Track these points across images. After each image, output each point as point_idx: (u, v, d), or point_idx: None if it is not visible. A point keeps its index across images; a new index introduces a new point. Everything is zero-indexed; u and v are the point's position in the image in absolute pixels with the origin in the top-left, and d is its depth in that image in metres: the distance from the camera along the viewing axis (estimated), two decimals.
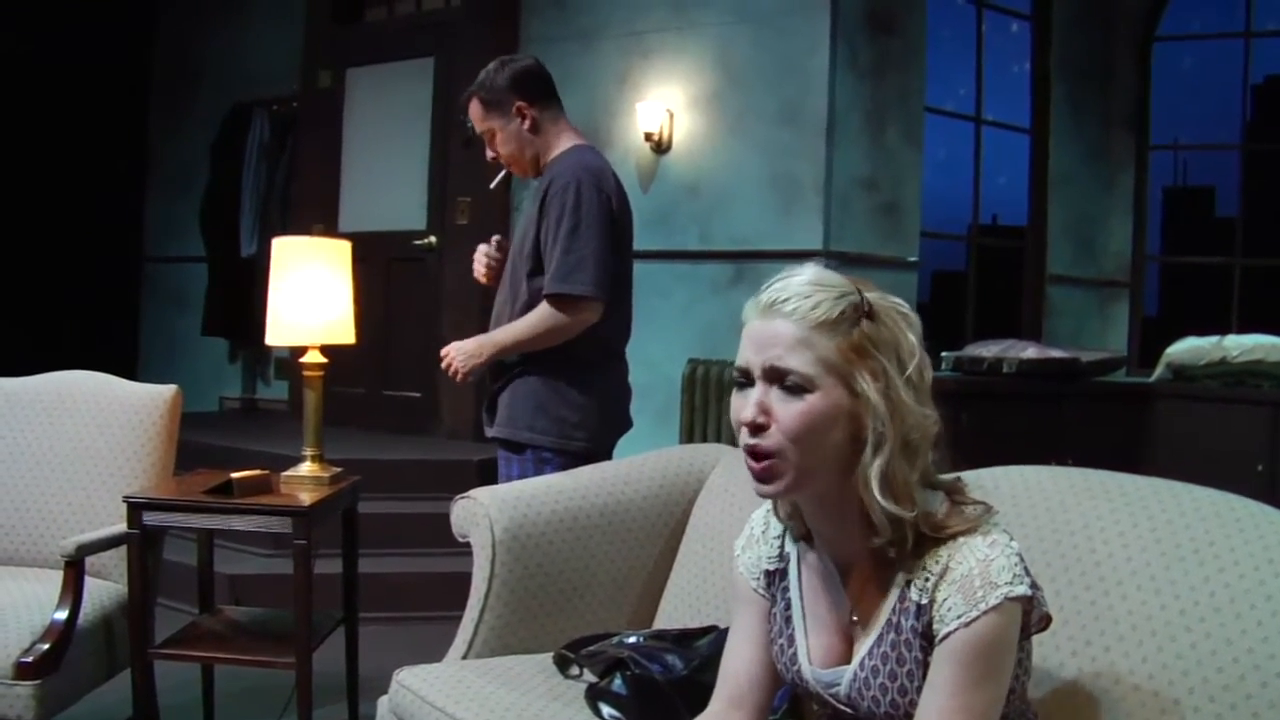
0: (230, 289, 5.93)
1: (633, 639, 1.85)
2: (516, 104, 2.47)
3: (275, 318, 2.48)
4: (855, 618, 1.26)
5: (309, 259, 2.50)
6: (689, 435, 4.50)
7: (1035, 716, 1.32)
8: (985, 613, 1.13)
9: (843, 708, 1.28)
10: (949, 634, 1.14)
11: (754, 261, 4.58)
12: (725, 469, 2.19)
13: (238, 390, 6.21)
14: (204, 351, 6.17)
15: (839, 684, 1.26)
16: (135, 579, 2.26)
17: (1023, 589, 1.15)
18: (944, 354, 4.58)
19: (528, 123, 2.48)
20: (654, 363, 4.19)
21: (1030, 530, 1.56)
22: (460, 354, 2.48)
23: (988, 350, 4.62)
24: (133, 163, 6.56)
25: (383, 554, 3.80)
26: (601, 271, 2.35)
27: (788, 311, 1.18)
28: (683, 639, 1.82)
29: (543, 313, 2.37)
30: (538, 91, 2.49)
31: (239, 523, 2.29)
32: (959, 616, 1.14)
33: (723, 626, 1.81)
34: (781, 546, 1.37)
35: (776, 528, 1.38)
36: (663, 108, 4.76)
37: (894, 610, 1.21)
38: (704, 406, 4.47)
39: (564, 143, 2.50)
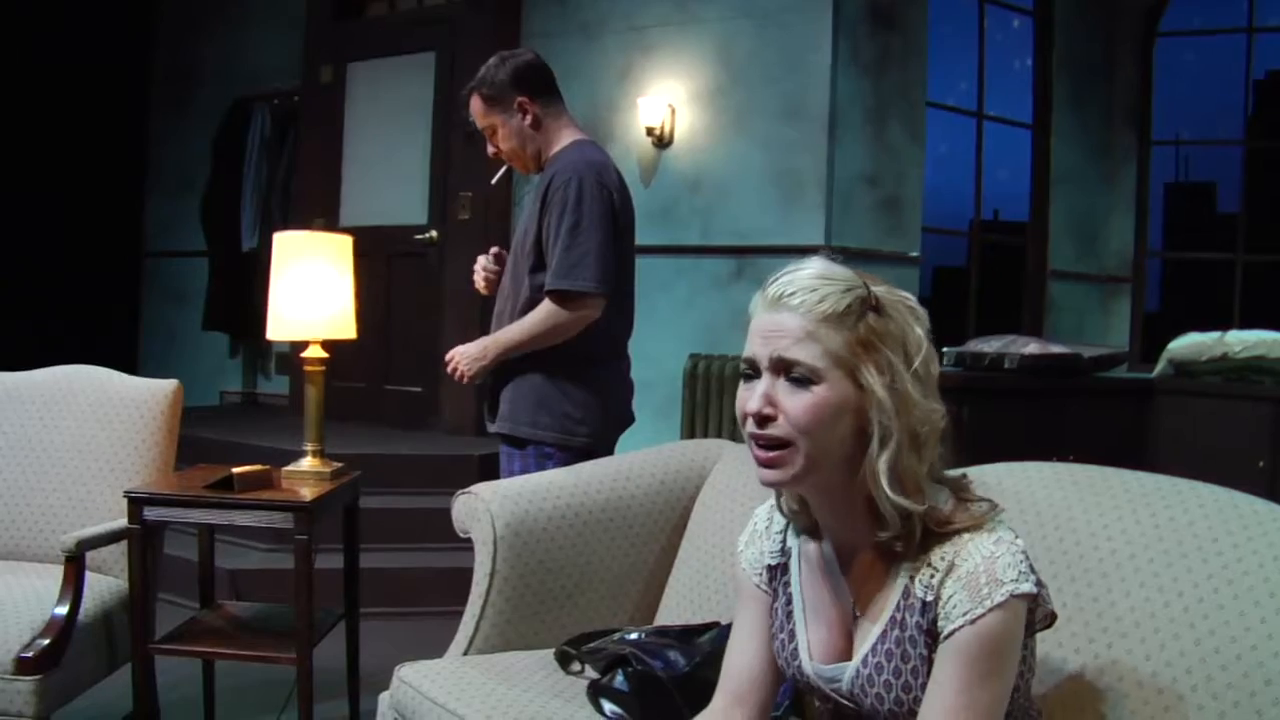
0: (231, 284, 5.93)
1: (634, 635, 1.85)
2: (518, 100, 2.46)
3: (276, 312, 2.48)
4: (857, 613, 1.26)
5: (310, 253, 2.50)
6: (690, 430, 4.50)
7: (1038, 714, 1.32)
8: (991, 610, 1.13)
9: (845, 703, 1.27)
10: (954, 631, 1.14)
11: (755, 257, 4.57)
12: (727, 464, 2.18)
13: (238, 385, 6.21)
14: (205, 346, 6.17)
15: (840, 679, 1.26)
16: (136, 574, 2.26)
17: (1028, 586, 1.15)
18: (945, 350, 4.57)
19: (529, 118, 2.47)
20: (655, 358, 4.18)
21: (1033, 527, 1.56)
22: (465, 358, 2.47)
23: (989, 346, 4.61)
24: (133, 158, 6.55)
25: (383, 549, 3.80)
26: (603, 267, 2.34)
27: (794, 305, 1.18)
28: (685, 635, 1.82)
29: (545, 310, 2.37)
30: (539, 87, 2.49)
31: (240, 518, 2.28)
32: (964, 613, 1.14)
33: (725, 622, 1.81)
34: (783, 541, 1.37)
35: (779, 523, 1.38)
36: (664, 102, 4.76)
37: (898, 606, 1.20)
38: (705, 402, 4.46)
39: (565, 138, 2.50)
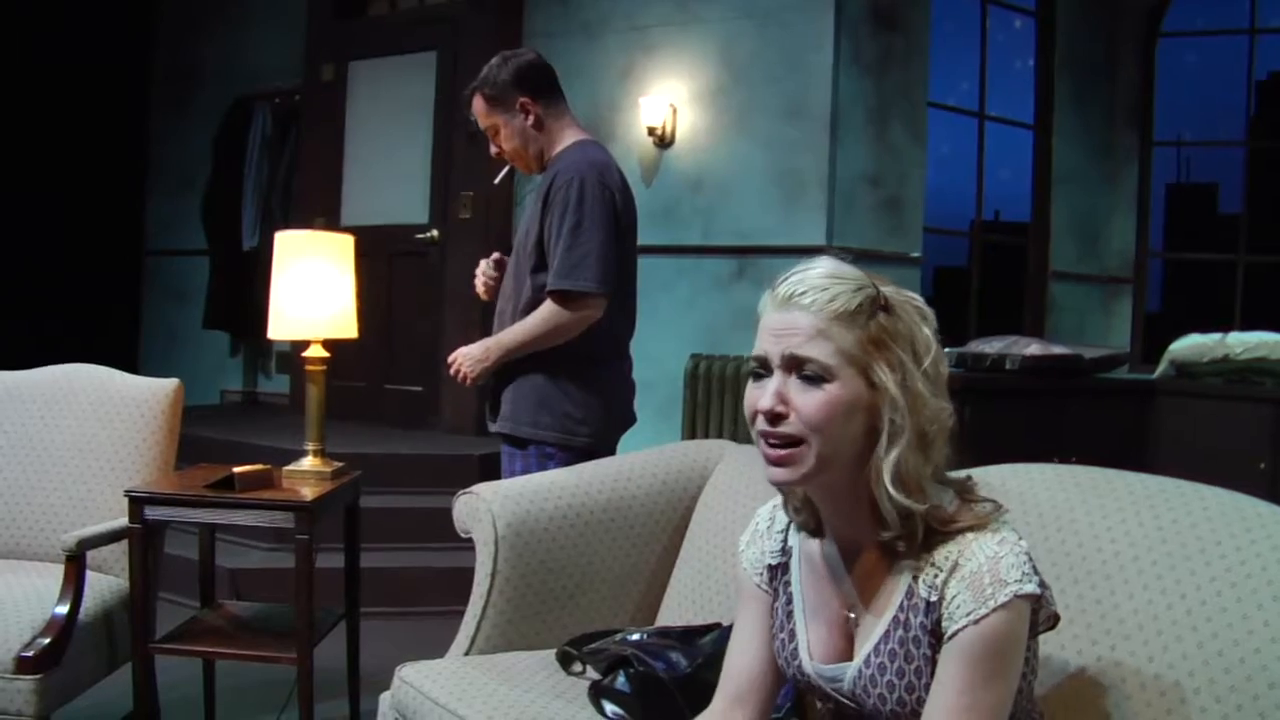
0: (232, 282, 5.92)
1: (636, 636, 1.85)
2: (520, 100, 2.46)
3: (278, 311, 2.47)
4: (855, 614, 1.26)
5: (312, 253, 2.49)
6: (691, 430, 4.50)
7: (1041, 716, 1.31)
8: (994, 610, 1.13)
9: (846, 703, 1.27)
10: (958, 631, 1.14)
11: (757, 257, 4.57)
12: (729, 465, 2.18)
13: (239, 383, 6.21)
14: (205, 345, 6.17)
15: (841, 679, 1.26)
16: (136, 573, 2.25)
17: (1031, 587, 1.14)
18: (946, 350, 4.57)
19: (531, 118, 2.47)
20: (656, 358, 4.18)
21: (1036, 529, 1.56)
22: (468, 360, 2.47)
23: (990, 347, 4.61)
24: (134, 157, 6.55)
25: (383, 549, 3.80)
26: (604, 267, 2.34)
27: (806, 303, 1.18)
28: (687, 636, 1.82)
29: (546, 311, 2.36)
30: (541, 87, 2.48)
31: (241, 517, 2.28)
32: (968, 614, 1.13)
33: (726, 624, 1.81)
34: (785, 540, 1.36)
35: (781, 522, 1.37)
36: (666, 102, 4.76)
37: (901, 606, 1.20)
38: (706, 402, 4.46)
39: (568, 138, 2.49)
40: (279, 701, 2.57)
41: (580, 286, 2.33)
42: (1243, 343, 4.55)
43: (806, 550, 1.33)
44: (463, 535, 2.06)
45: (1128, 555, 1.46)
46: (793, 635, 1.31)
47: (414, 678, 1.84)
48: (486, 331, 2.61)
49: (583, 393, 2.41)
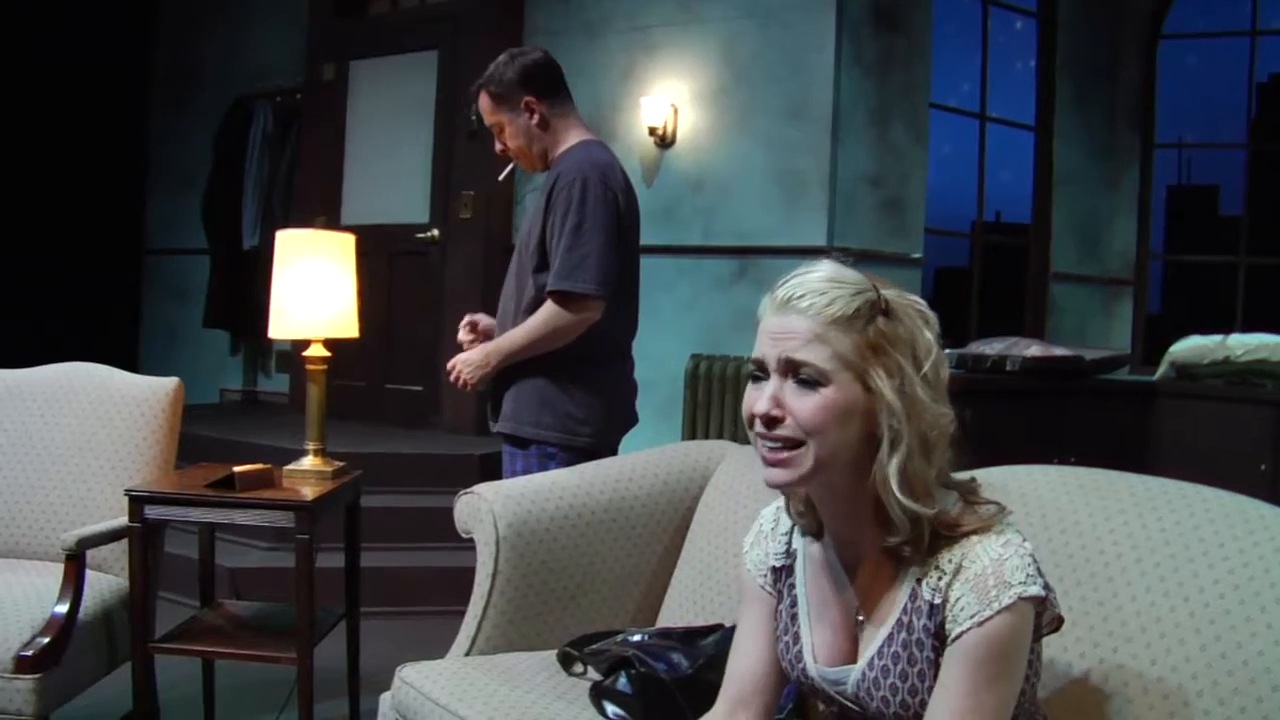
0: (232, 281, 5.92)
1: (637, 637, 1.84)
2: (525, 99, 2.45)
3: (279, 311, 2.47)
4: (862, 616, 1.26)
5: (313, 252, 2.49)
6: (691, 431, 4.49)
7: (1044, 718, 1.31)
8: (999, 612, 1.12)
9: (850, 706, 1.27)
10: (962, 633, 1.14)
11: (757, 257, 4.57)
12: (730, 465, 2.18)
13: (239, 382, 6.21)
14: (205, 344, 6.17)
15: (845, 682, 1.25)
16: (136, 572, 2.25)
17: (1036, 589, 1.14)
18: (947, 351, 4.56)
19: (536, 118, 2.47)
20: (657, 358, 4.17)
21: (1039, 530, 1.55)
22: (467, 366, 2.47)
23: (991, 348, 4.61)
24: (135, 155, 6.55)
25: (383, 548, 3.79)
26: (605, 269, 2.34)
27: (803, 307, 1.17)
28: (688, 637, 1.81)
29: (546, 312, 2.36)
30: (547, 86, 2.48)
31: (241, 517, 2.27)
32: (972, 616, 1.13)
33: (728, 624, 1.81)
34: (789, 543, 1.36)
35: (785, 524, 1.37)
36: (667, 102, 4.75)
37: (905, 609, 1.20)
38: (707, 402, 4.46)
39: (572, 138, 2.49)
40: (279, 701, 2.57)
41: (580, 288, 2.32)
42: (1243, 345, 4.55)
43: (811, 553, 1.33)
44: (464, 535, 2.06)
45: (1130, 557, 1.46)
46: (797, 638, 1.31)
47: (414, 678, 1.83)
48: (487, 330, 2.61)
49: (584, 393, 2.40)
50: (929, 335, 1.20)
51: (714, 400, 4.44)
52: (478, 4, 5.11)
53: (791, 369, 1.17)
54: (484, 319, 2.62)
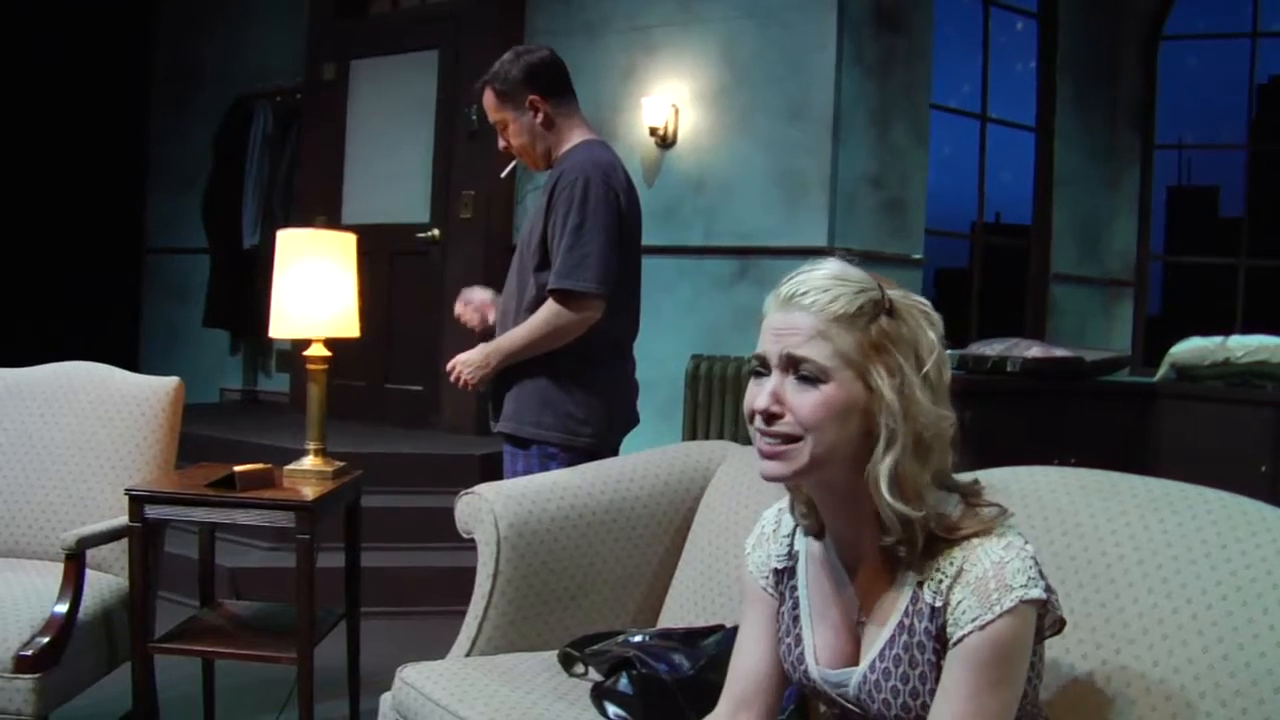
0: (232, 281, 5.92)
1: (639, 637, 1.84)
2: (530, 97, 2.45)
3: (279, 310, 2.47)
4: (863, 618, 1.25)
5: (314, 251, 2.48)
6: (692, 431, 4.49)
7: (1046, 719, 1.31)
8: (1000, 615, 1.12)
9: (851, 708, 1.27)
10: (963, 637, 1.13)
11: (758, 258, 4.57)
12: (731, 466, 2.17)
13: (239, 382, 6.20)
14: (205, 343, 6.17)
15: (847, 684, 1.25)
16: (136, 572, 2.25)
17: (1037, 592, 1.14)
18: (948, 352, 4.56)
19: (540, 116, 2.46)
20: (657, 358, 4.17)
21: (1040, 532, 1.55)
22: (467, 366, 2.46)
23: (991, 349, 4.61)
24: (135, 155, 6.55)
25: (383, 548, 3.79)
26: (606, 268, 2.33)
27: (806, 304, 1.18)
28: (689, 638, 1.81)
29: (546, 312, 2.36)
30: (552, 85, 2.47)
31: (242, 516, 2.27)
32: (974, 619, 1.13)
33: (729, 625, 1.81)
34: (791, 544, 1.36)
35: (787, 525, 1.37)
36: (668, 102, 4.75)
37: (906, 612, 1.20)
38: (707, 402, 4.46)
39: (575, 137, 2.49)
40: (279, 701, 2.57)
41: (581, 287, 2.32)
42: (1243, 346, 4.55)
43: (812, 554, 1.32)
44: (465, 536, 2.06)
45: (1133, 558, 1.46)
46: (799, 640, 1.31)
47: (415, 679, 1.83)
48: (488, 331, 2.60)
49: (586, 393, 2.40)
50: (932, 336, 1.20)
51: (714, 401, 4.44)
52: (478, 4, 5.11)
53: (793, 365, 1.17)
54: (477, 293, 2.62)
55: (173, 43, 6.46)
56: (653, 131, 4.75)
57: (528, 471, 2.36)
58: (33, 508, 2.53)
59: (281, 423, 4.94)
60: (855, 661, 1.26)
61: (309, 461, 2.47)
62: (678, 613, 2.08)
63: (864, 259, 1.24)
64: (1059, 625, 1.24)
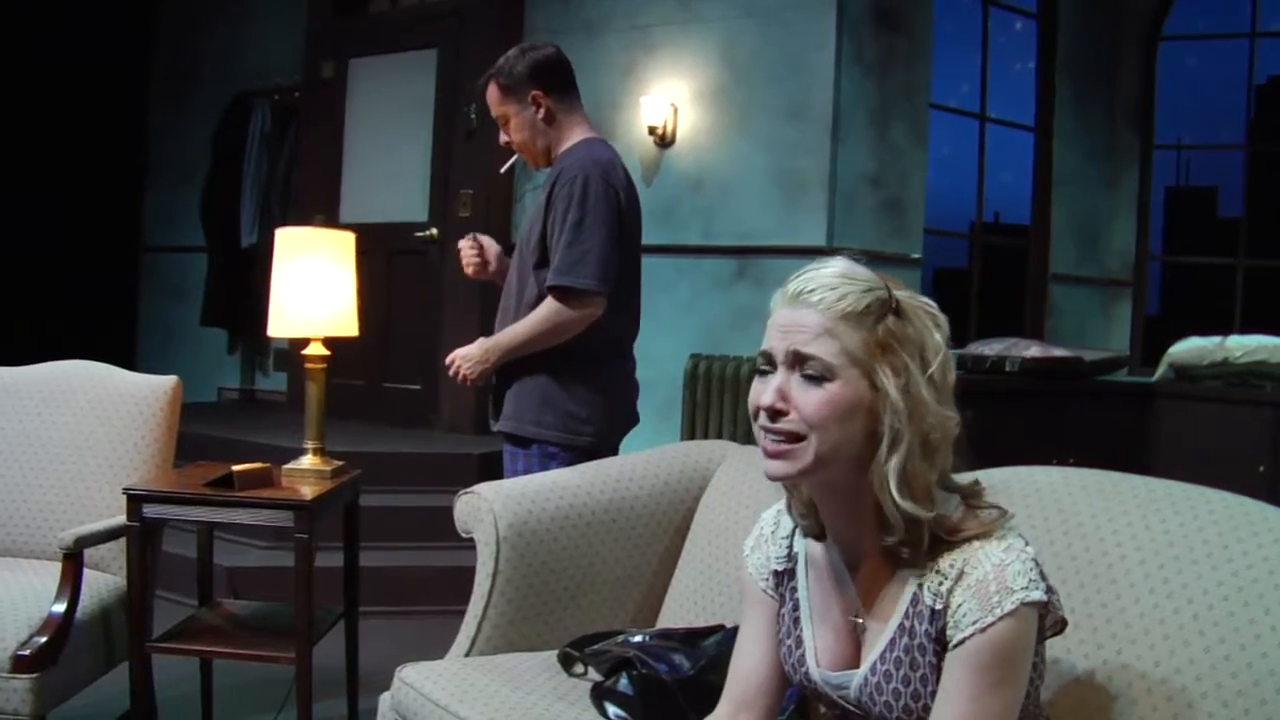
0: (230, 279, 5.91)
1: (639, 638, 1.84)
2: (533, 93, 2.45)
3: (278, 309, 2.46)
4: (863, 620, 1.25)
5: (313, 250, 2.48)
6: (690, 431, 4.49)
7: None
8: (1001, 618, 1.12)
9: (852, 709, 1.26)
10: (964, 639, 1.13)
11: (757, 257, 4.56)
12: (731, 466, 2.17)
13: (236, 381, 6.20)
14: (203, 342, 6.16)
15: (848, 686, 1.25)
16: (134, 572, 2.24)
17: (1039, 594, 1.13)
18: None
19: (542, 112, 2.46)
20: (656, 358, 4.17)
21: (1041, 532, 1.55)
22: (467, 361, 2.46)
23: (990, 349, 4.62)
24: (133, 153, 6.54)
25: (381, 547, 3.78)
26: (605, 265, 2.33)
27: (814, 302, 1.17)
28: (690, 638, 1.81)
29: (546, 308, 2.35)
30: (556, 82, 2.47)
31: (241, 516, 2.26)
32: (974, 622, 1.12)
33: (729, 625, 1.80)
34: (790, 546, 1.35)
35: (786, 527, 1.37)
36: (667, 101, 4.75)
37: (907, 614, 1.19)
38: (705, 402, 4.45)
39: (576, 135, 2.48)
40: (277, 701, 2.57)
41: (581, 284, 2.32)
42: (1242, 346, 4.56)
43: (812, 556, 1.32)
44: (464, 535, 2.05)
45: (1134, 559, 1.45)
46: (799, 642, 1.31)
47: (414, 679, 1.83)
48: (486, 329, 2.60)
49: (586, 392, 2.40)
50: (938, 338, 1.20)
51: (713, 400, 4.44)
52: (478, 2, 5.10)
53: (799, 362, 1.17)
54: (490, 242, 2.61)
55: (172, 40, 6.45)
56: (651, 130, 4.75)
57: (528, 471, 2.36)
58: (30, 507, 2.52)
59: (279, 422, 4.94)
60: (856, 663, 1.25)
61: (307, 461, 2.47)
62: (677, 613, 2.08)
63: (863, 259, 1.24)
64: (1060, 625, 1.24)
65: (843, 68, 4.44)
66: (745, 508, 2.00)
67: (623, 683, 1.71)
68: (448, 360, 2.51)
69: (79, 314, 5.96)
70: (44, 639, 2.06)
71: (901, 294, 1.20)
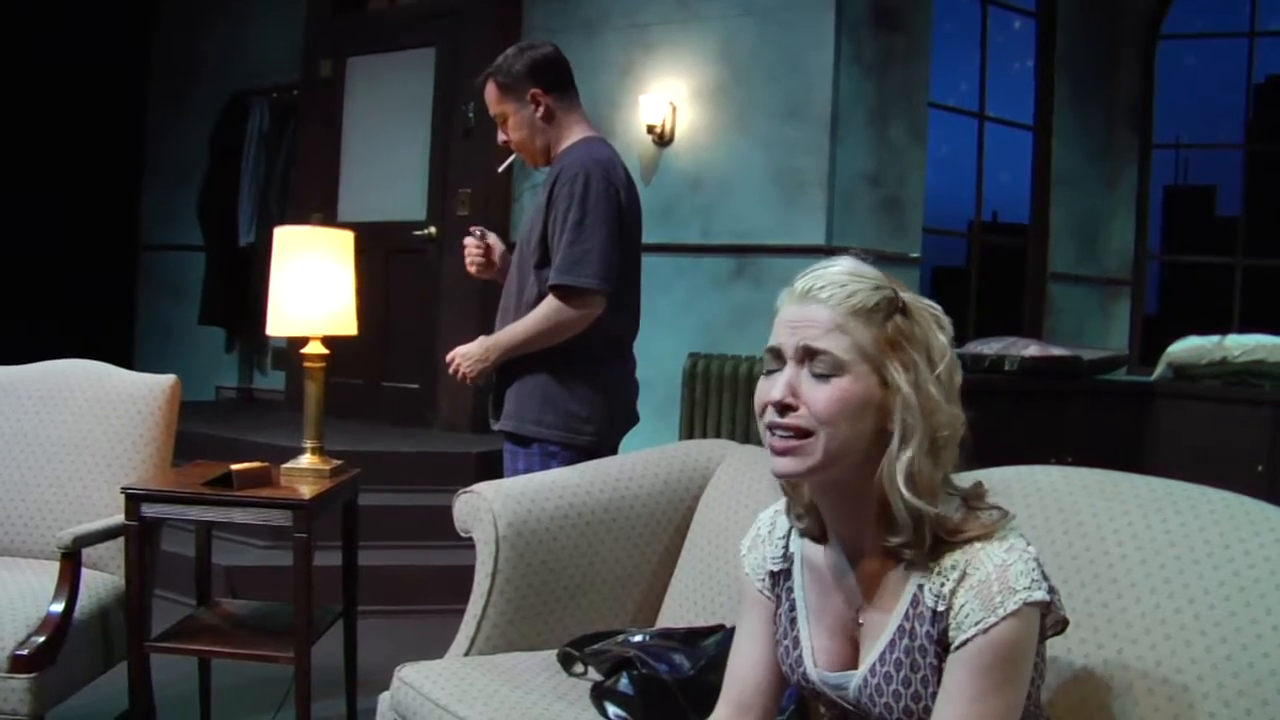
0: (228, 278, 5.90)
1: (639, 637, 1.83)
2: (532, 91, 2.44)
3: (277, 308, 2.45)
4: (862, 620, 1.25)
5: (312, 249, 2.47)
6: (689, 430, 4.49)
7: None
8: (1003, 618, 1.11)
9: (851, 709, 1.26)
10: (966, 640, 1.13)
11: (756, 256, 4.56)
12: (731, 466, 2.17)
13: (234, 380, 6.19)
14: (200, 340, 6.15)
15: (846, 687, 1.25)
16: (132, 571, 2.24)
17: (1041, 594, 1.13)
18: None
19: (541, 110, 2.46)
20: (654, 357, 4.16)
21: (1042, 531, 1.55)
22: (466, 359, 2.45)
23: (989, 348, 4.61)
24: (131, 152, 6.54)
25: (378, 546, 3.78)
26: (606, 264, 2.33)
27: (824, 298, 1.17)
28: (690, 638, 1.80)
29: (547, 307, 2.35)
30: (554, 80, 2.47)
31: (239, 515, 2.26)
32: (976, 623, 1.12)
33: (730, 625, 1.80)
34: (786, 546, 1.35)
35: (782, 528, 1.36)
36: (665, 100, 4.74)
37: (907, 615, 1.19)
38: (704, 401, 4.45)
39: (576, 134, 2.48)
40: (275, 700, 2.56)
41: (582, 283, 2.31)
42: (1241, 345, 4.56)
43: (809, 557, 1.32)
44: (463, 535, 2.05)
45: (1136, 558, 1.45)
46: (796, 642, 1.30)
47: (414, 678, 1.82)
48: (485, 328, 2.59)
49: (587, 391, 2.39)
50: (943, 339, 1.20)
51: (711, 399, 4.43)
52: (476, 1, 5.09)
53: (809, 357, 1.17)
54: (496, 239, 2.60)
55: (170, 39, 6.44)
56: (650, 129, 4.74)
57: (528, 470, 2.35)
58: (28, 506, 2.52)
59: (277, 420, 4.93)
60: (854, 664, 1.25)
61: (306, 460, 2.46)
62: (677, 612, 2.07)
63: (870, 258, 1.24)
64: (1062, 625, 1.23)
65: (841, 66, 4.44)
66: (745, 507, 2.00)
67: (623, 682, 1.70)
68: (448, 358, 2.50)
69: (77, 313, 5.96)
70: (42, 639, 2.05)
71: (906, 295, 1.20)
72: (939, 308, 1.22)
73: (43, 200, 5.96)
